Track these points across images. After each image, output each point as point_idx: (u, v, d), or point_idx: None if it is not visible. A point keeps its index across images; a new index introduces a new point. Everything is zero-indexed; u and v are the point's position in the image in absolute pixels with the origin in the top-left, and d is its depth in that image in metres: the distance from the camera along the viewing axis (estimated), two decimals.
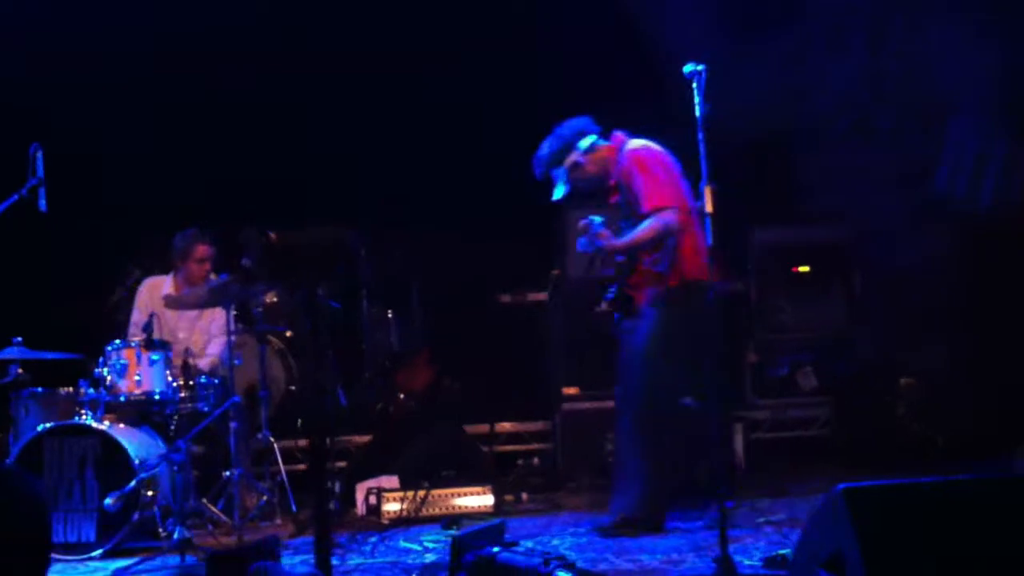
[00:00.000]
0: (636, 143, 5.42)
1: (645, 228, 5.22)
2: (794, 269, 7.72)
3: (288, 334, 7.28)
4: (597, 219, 5.27)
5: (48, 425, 5.61)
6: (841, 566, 3.13)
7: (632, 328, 5.33)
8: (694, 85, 4.53)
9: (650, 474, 5.24)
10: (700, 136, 4.53)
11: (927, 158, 7.14)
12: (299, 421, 7.37)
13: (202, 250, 6.51)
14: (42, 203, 5.34)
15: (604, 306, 5.48)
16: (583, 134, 5.46)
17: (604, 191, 5.52)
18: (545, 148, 5.49)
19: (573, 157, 5.44)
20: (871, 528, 3.01)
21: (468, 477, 6.33)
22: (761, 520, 5.56)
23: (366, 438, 7.28)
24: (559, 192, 5.46)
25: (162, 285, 6.62)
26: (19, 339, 5.78)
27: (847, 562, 3.09)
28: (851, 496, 3.10)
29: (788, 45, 6.94)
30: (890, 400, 7.01)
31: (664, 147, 5.44)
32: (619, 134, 5.51)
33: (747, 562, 4.67)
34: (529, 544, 5.10)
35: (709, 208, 4.48)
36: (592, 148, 5.46)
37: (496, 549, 3.27)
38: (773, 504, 5.95)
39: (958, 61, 6.72)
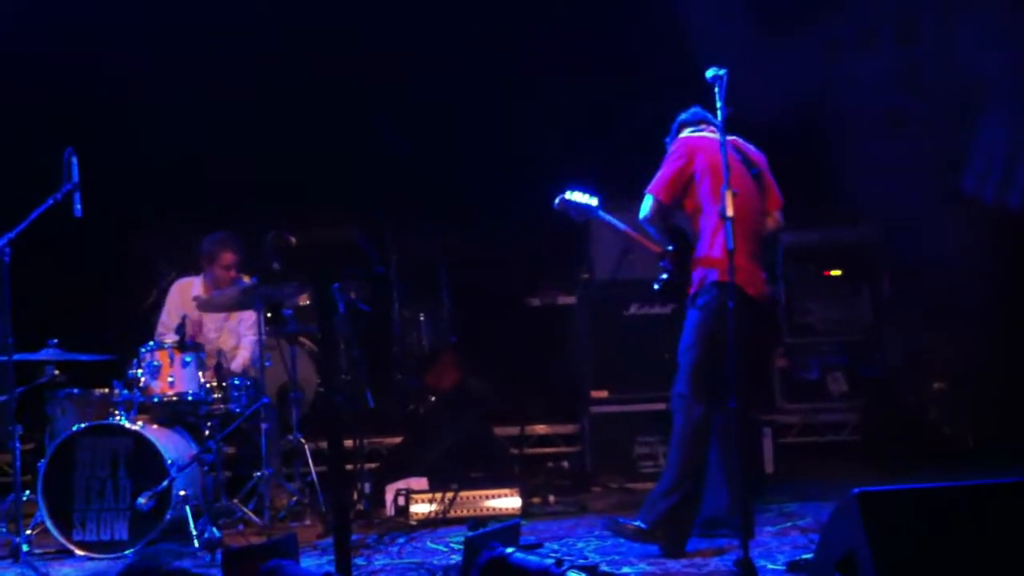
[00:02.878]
0: (690, 135, 5.29)
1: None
2: (825, 273, 7.69)
3: (319, 335, 7.34)
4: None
5: (83, 425, 5.71)
6: (853, 567, 3.15)
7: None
8: (716, 89, 4.56)
9: (685, 492, 4.99)
10: (721, 140, 4.55)
11: (956, 156, 7.09)
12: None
13: (228, 257, 6.58)
14: (77, 208, 5.44)
15: (654, 295, 5.37)
16: (686, 123, 5.35)
17: None
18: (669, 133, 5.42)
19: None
20: (882, 530, 3.03)
21: (496, 479, 6.37)
22: (788, 524, 5.56)
23: (397, 439, 7.34)
24: None
25: (191, 286, 6.71)
26: (55, 341, 5.89)
27: (859, 563, 3.12)
28: (864, 499, 3.13)
29: (815, 41, 6.92)
30: (921, 404, 6.96)
31: (743, 140, 5.28)
32: (709, 126, 5.30)
33: (770, 566, 4.68)
34: (554, 546, 5.14)
35: (730, 212, 4.50)
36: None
37: (510, 550, 3.30)
38: (801, 508, 5.94)
39: (988, 54, 6.66)
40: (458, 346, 8.00)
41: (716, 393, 4.98)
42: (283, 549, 3.51)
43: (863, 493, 3.14)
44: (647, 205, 5.14)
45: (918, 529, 3.02)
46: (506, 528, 3.64)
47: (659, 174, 5.17)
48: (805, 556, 4.58)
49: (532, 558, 3.32)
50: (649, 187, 5.15)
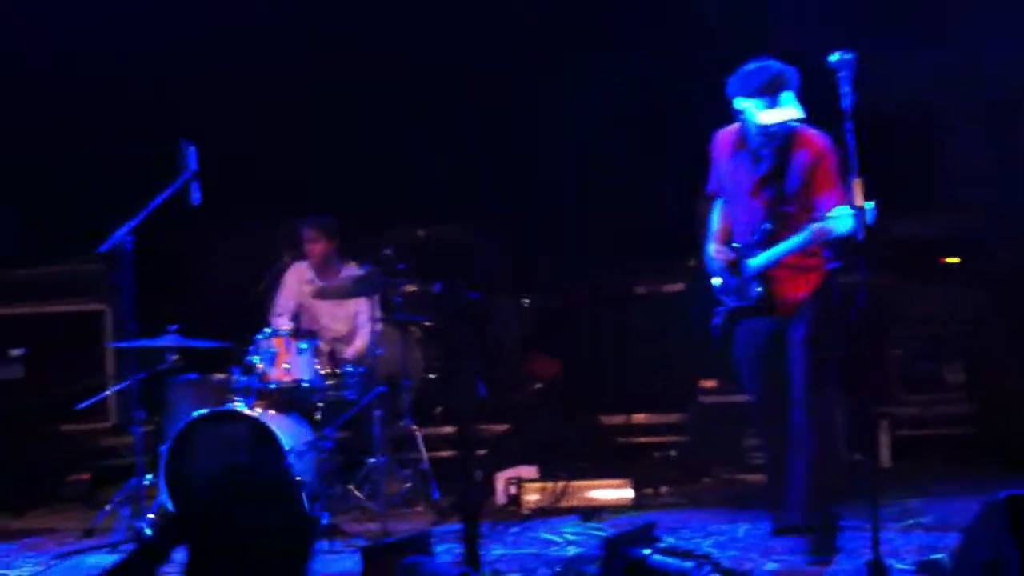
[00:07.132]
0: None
1: (828, 230, 4.72)
2: (941, 260, 7.50)
3: (427, 323, 7.38)
4: None
5: (203, 411, 5.82)
6: (999, 573, 3.06)
7: (796, 324, 4.97)
8: (841, 74, 4.42)
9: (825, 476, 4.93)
10: (848, 127, 4.42)
11: None
12: (438, 409, 7.49)
13: (306, 234, 6.64)
14: (196, 196, 5.56)
15: (749, 302, 5.13)
16: (789, 95, 4.78)
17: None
18: (760, 78, 4.80)
19: (766, 105, 4.78)
20: None
21: (603, 468, 6.34)
22: (911, 522, 5.42)
23: (503, 427, 7.35)
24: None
25: (306, 271, 6.79)
26: (175, 327, 5.99)
27: (1006, 570, 3.02)
28: (1014, 503, 3.03)
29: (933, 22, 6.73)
30: None
31: None
32: None
33: (899, 566, 4.55)
34: (671, 540, 5.08)
35: (858, 202, 4.38)
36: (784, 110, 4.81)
37: (647, 551, 3.29)
38: (924, 505, 5.77)
39: None
40: (560, 337, 7.98)
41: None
42: (420, 545, 3.55)
43: (1012, 496, 3.04)
44: (851, 218, 4.49)
45: None
46: (642, 527, 3.62)
47: (843, 195, 4.67)
48: (934, 557, 4.46)
49: (672, 560, 3.31)
50: (842, 198, 4.66)
